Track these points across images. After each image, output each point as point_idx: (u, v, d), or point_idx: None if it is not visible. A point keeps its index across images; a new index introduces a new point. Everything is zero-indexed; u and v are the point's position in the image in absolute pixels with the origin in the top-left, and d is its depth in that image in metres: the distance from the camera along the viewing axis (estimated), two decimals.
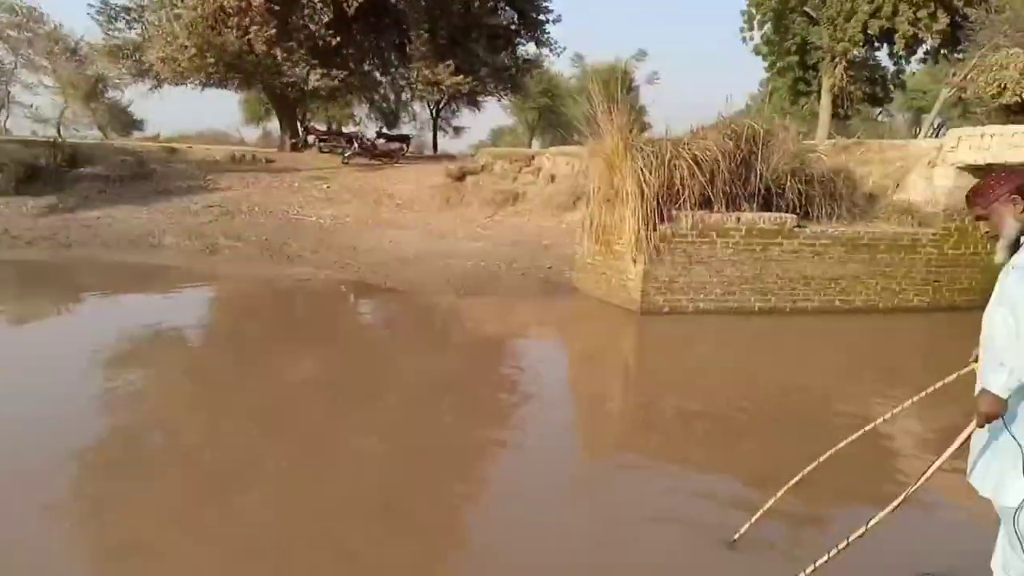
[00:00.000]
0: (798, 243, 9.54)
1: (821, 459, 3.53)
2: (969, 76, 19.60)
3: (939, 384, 3.34)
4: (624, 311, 9.58)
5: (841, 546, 2.77)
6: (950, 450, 2.74)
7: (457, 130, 38.42)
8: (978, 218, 2.81)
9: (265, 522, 3.91)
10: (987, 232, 2.80)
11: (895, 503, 2.78)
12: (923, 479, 2.82)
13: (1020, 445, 2.53)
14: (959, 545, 3.74)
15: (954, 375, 3.25)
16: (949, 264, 10.11)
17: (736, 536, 3.64)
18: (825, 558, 2.76)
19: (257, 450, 4.90)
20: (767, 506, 3.60)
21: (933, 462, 2.78)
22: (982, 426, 2.60)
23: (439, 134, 34.12)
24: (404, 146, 22.16)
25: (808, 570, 2.79)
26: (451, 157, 22.70)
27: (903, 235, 9.91)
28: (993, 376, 2.50)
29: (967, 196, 2.86)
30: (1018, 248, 2.67)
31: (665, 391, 6.78)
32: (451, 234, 13.65)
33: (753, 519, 3.62)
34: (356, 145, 20.66)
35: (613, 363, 8.01)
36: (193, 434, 5.19)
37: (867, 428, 3.54)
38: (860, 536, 2.76)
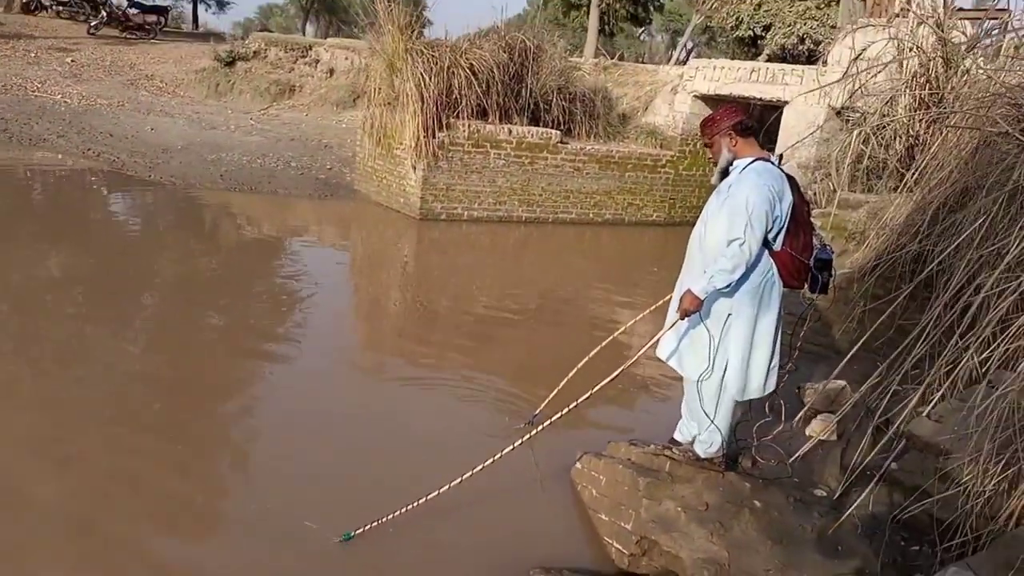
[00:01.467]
0: (560, 158, 10.49)
1: (590, 355, 4.25)
2: (714, 5, 21.60)
3: (663, 300, 4.22)
4: (403, 216, 10.03)
5: (574, 405, 3.47)
6: (660, 334, 3.53)
7: (221, 4, 35.15)
8: (706, 145, 3.45)
9: (8, 434, 3.73)
10: (711, 158, 3.46)
11: (615, 374, 3.50)
12: (637, 356, 3.64)
13: (710, 333, 3.32)
14: (656, 410, 4.89)
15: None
16: (683, 184, 11.65)
17: (535, 413, 4.35)
18: (563, 412, 3.49)
19: None
20: (554, 392, 4.32)
21: (644, 345, 3.62)
22: (683, 318, 3.31)
23: (200, 8, 31.06)
24: (162, 19, 20.05)
25: (551, 420, 3.49)
26: (219, 36, 21.03)
27: (647, 155, 11.23)
28: (698, 281, 3.20)
29: (700, 124, 3.47)
30: (726, 175, 3.35)
31: (441, 293, 7.43)
32: (222, 125, 12.99)
33: (545, 402, 4.35)
34: (104, 14, 18.34)
35: (392, 266, 8.48)
36: None
37: (615, 334, 4.35)
38: (587, 398, 3.48)
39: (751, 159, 3.27)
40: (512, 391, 4.91)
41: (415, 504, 3.24)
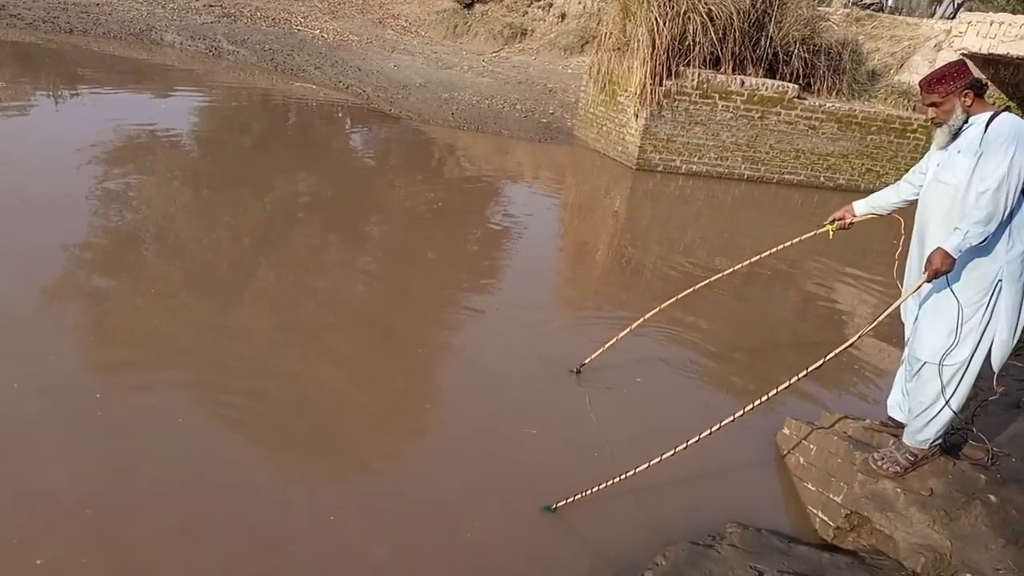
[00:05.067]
0: (795, 115, 9.81)
1: (652, 312, 4.14)
2: None
3: (796, 240, 4.13)
4: (619, 165, 9.95)
5: (801, 375, 3.01)
6: (902, 299, 3.13)
7: None
8: (931, 104, 3.08)
9: (257, 323, 4.25)
10: (933, 118, 3.11)
11: (850, 341, 3.07)
12: (875, 323, 3.20)
13: (958, 301, 2.95)
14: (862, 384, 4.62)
15: (808, 235, 4.04)
16: None
17: (584, 363, 4.25)
18: (794, 380, 3.02)
19: (249, 258, 5.19)
20: (607, 345, 4.21)
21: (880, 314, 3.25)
22: (930, 280, 2.92)
23: None
24: None
25: (780, 388, 3.02)
26: None
27: (895, 118, 10.17)
28: (949, 238, 2.87)
29: (921, 83, 3.13)
30: (957, 136, 3.02)
31: (648, 248, 7.28)
32: (456, 65, 13.56)
33: (596, 353, 4.20)
34: None
35: (603, 215, 8.45)
36: (186, 238, 5.35)
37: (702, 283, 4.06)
38: (819, 366, 2.98)
39: (990, 113, 2.97)
40: (710, 365, 4.74)
41: (620, 478, 3.06)
